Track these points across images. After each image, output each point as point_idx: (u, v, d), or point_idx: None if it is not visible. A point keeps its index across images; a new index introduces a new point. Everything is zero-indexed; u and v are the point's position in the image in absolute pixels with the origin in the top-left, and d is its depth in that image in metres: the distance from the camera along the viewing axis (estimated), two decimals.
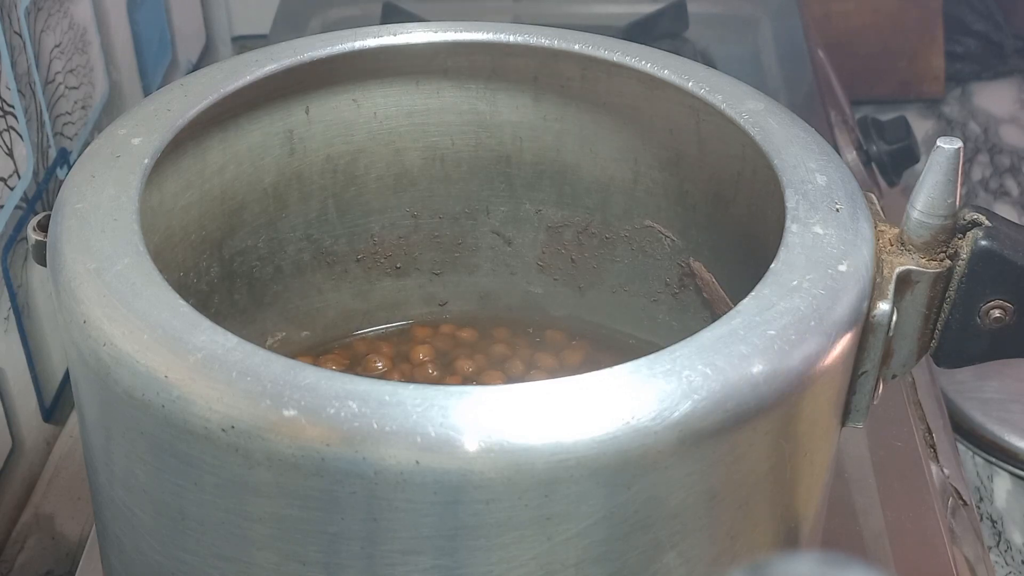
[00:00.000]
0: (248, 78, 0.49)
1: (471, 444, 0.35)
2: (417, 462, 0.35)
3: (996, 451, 0.78)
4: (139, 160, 0.45)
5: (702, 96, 0.49)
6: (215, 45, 1.04)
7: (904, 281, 0.43)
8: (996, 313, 0.43)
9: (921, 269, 0.43)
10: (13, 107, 0.65)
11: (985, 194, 1.03)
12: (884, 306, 0.42)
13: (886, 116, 0.91)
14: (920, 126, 1.06)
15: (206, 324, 0.38)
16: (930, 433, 0.65)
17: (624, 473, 0.36)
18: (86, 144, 0.69)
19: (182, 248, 0.51)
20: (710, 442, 0.37)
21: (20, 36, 0.66)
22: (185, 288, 0.52)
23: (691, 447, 0.37)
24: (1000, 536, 0.73)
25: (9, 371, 0.65)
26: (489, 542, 0.37)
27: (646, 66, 0.51)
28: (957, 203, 0.43)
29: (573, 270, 0.59)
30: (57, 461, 0.69)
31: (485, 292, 0.60)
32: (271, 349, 0.37)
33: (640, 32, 0.88)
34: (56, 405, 0.70)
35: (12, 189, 0.65)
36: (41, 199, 0.68)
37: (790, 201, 0.44)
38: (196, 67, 0.98)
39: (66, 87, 0.72)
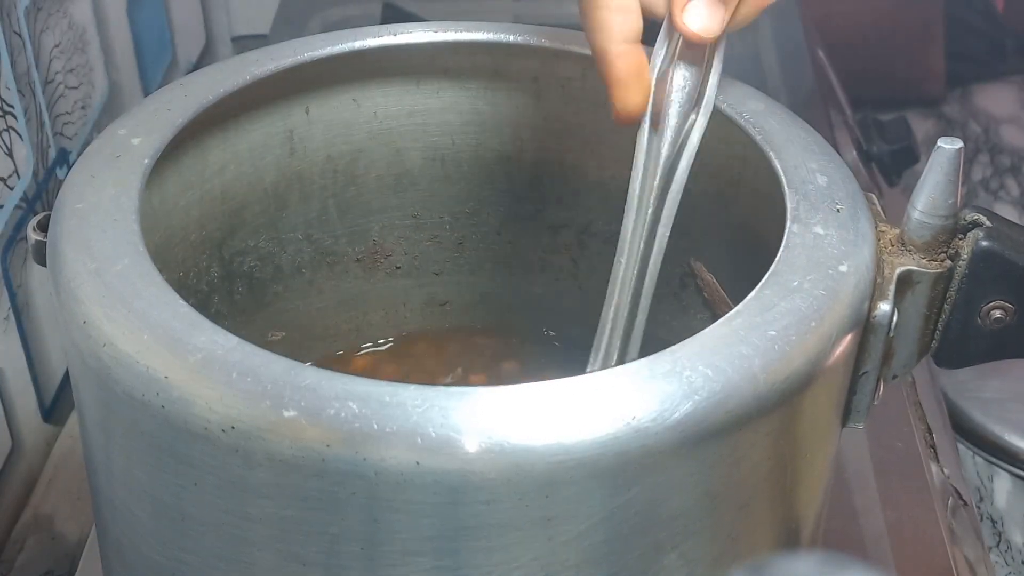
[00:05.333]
0: (248, 78, 0.49)
1: (471, 445, 0.35)
2: (417, 463, 0.35)
3: (996, 451, 0.78)
4: (139, 160, 0.45)
5: None
6: (215, 45, 1.04)
7: (905, 281, 0.43)
8: (997, 313, 0.43)
9: (922, 269, 0.43)
10: (13, 107, 0.65)
11: (985, 194, 1.03)
12: (885, 307, 0.42)
13: (886, 116, 0.91)
14: (920, 126, 1.06)
15: (206, 324, 0.38)
16: (930, 433, 0.65)
17: (625, 474, 0.36)
18: (86, 144, 0.69)
19: (182, 248, 0.51)
20: (711, 443, 0.37)
21: (20, 36, 0.66)
22: (185, 288, 0.52)
23: (692, 448, 0.37)
24: (1000, 536, 0.73)
25: (9, 371, 0.65)
26: (490, 543, 0.37)
27: None
28: (958, 203, 0.43)
29: (574, 270, 0.59)
30: (57, 461, 0.69)
31: (485, 292, 0.60)
32: (271, 349, 0.37)
33: None
34: (56, 405, 0.70)
35: (12, 189, 0.65)
36: (41, 199, 0.68)
37: (791, 201, 0.44)
38: (196, 67, 0.98)
39: (66, 87, 0.72)
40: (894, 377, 0.45)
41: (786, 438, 0.40)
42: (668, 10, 0.44)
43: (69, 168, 0.61)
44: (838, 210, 0.43)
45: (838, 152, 0.47)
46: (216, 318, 0.38)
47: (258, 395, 0.36)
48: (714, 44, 0.44)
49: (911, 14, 1.10)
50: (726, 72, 0.51)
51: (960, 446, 0.76)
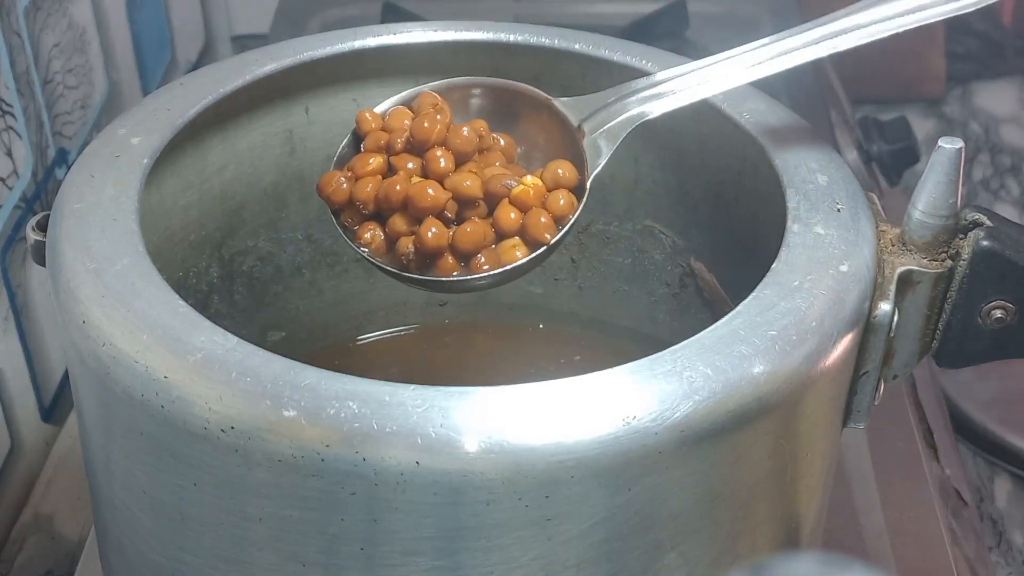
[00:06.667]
0: (248, 78, 0.49)
1: (471, 445, 0.35)
2: (417, 463, 0.35)
3: (997, 451, 0.78)
4: (138, 160, 0.45)
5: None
6: (214, 45, 1.04)
7: (905, 281, 0.43)
8: (997, 313, 0.43)
9: (922, 269, 0.43)
10: (12, 107, 0.65)
11: (986, 194, 1.03)
12: (885, 306, 0.42)
13: (887, 116, 0.91)
14: (921, 126, 1.06)
15: (206, 324, 0.38)
16: (931, 433, 0.65)
17: (625, 474, 0.36)
18: (85, 144, 0.69)
19: (182, 248, 0.51)
20: (711, 443, 0.37)
21: (19, 35, 0.66)
22: (185, 288, 0.51)
23: (692, 448, 0.37)
24: (1001, 536, 0.73)
25: (8, 371, 0.65)
26: (489, 543, 0.37)
27: (646, 66, 0.51)
28: (958, 203, 0.43)
29: (574, 270, 0.59)
30: (56, 461, 0.69)
31: (485, 292, 0.60)
32: (271, 349, 0.37)
33: (640, 32, 0.88)
34: (55, 405, 0.70)
35: (11, 189, 0.65)
36: (40, 199, 0.68)
37: (791, 201, 0.44)
38: (195, 67, 0.98)
39: (65, 87, 0.72)
40: (895, 377, 0.45)
41: (786, 438, 0.40)
42: None
43: (68, 168, 0.61)
44: (838, 210, 0.43)
45: (838, 152, 0.47)
46: (216, 318, 0.38)
47: (258, 395, 0.36)
48: None
49: None
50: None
51: (961, 446, 0.76)
